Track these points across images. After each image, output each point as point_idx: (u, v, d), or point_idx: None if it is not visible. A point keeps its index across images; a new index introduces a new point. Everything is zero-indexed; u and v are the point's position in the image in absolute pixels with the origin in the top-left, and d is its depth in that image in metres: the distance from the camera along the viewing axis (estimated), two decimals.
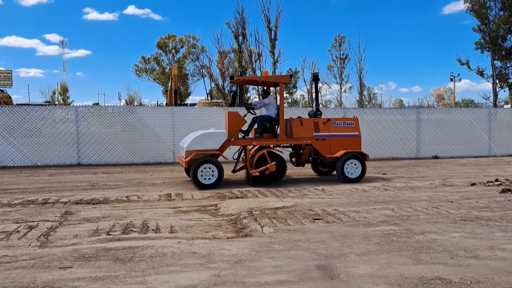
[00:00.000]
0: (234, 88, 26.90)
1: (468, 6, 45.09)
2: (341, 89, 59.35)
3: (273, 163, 9.24)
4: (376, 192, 8.27)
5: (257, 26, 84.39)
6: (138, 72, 61.07)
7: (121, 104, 56.79)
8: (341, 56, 57.97)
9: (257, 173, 9.36)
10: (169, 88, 25.57)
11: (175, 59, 58.76)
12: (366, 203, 7.21)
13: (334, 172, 10.47)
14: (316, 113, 10.56)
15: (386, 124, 15.48)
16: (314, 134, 9.84)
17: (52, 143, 13.31)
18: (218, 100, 40.17)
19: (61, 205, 7.15)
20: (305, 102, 68.04)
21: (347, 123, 10.14)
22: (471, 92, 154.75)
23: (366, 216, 6.18)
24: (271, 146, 9.76)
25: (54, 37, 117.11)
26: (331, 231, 5.40)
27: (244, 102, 10.06)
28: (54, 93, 65.54)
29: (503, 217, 6.09)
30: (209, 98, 55.27)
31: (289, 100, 68.58)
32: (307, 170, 11.53)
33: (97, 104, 61.66)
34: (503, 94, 58.41)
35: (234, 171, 10.21)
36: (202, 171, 8.92)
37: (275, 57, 49.76)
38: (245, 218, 6.13)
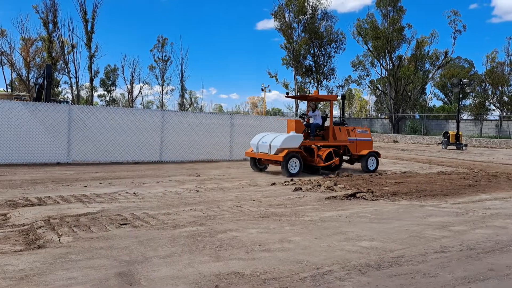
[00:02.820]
0: (40, 80, 23.97)
1: (277, 25, 50.53)
2: (162, 90, 59.13)
3: (337, 158, 12.82)
4: (188, 194, 8.46)
5: (72, 16, 77.36)
6: None
7: None
8: (163, 58, 57.88)
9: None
10: None
11: None
12: (177, 205, 7.30)
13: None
14: (343, 123, 13.89)
15: (203, 128, 16.01)
16: (348, 138, 13.35)
17: None
18: (20, 93, 35.08)
19: None
20: (126, 101, 65.25)
21: (363, 131, 14.07)
22: (279, 102, 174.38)
23: (175, 218, 6.25)
24: (301, 146, 12.53)
25: None
26: (138, 236, 5.26)
27: (301, 114, 13.95)
28: None
29: (293, 212, 6.97)
30: (9, 90, 47.93)
31: (107, 99, 64.83)
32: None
33: None
34: (303, 105, 67.29)
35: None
36: (290, 163, 11.71)
37: (92, 51, 46.50)
38: (40, 228, 5.46)
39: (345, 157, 13.91)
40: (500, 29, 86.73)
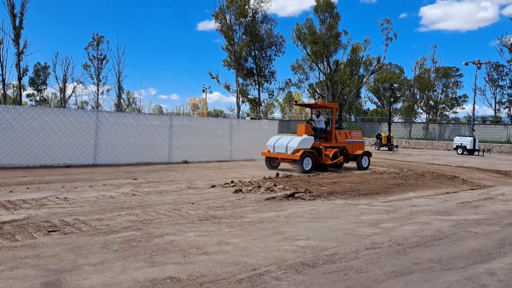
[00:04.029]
0: None
1: (218, 26, 50.45)
2: (98, 90, 56.74)
3: (341, 157, 14.87)
4: (123, 198, 8.17)
5: None
6: None
7: None
8: (98, 56, 55.58)
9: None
10: None
11: None
12: (111, 209, 7.02)
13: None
14: (341, 127, 16.00)
15: (141, 129, 15.54)
16: (346, 140, 15.47)
17: None
18: None
19: None
20: (58, 101, 61.83)
21: (357, 134, 16.23)
22: (221, 104, 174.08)
23: (108, 224, 6.00)
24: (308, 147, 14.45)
25: None
26: (67, 243, 4.99)
27: (307, 119, 16.09)
28: None
29: (233, 214, 6.97)
30: None
31: (38, 98, 61.06)
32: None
33: None
34: (245, 107, 67.69)
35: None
36: (304, 161, 13.63)
37: (21, 48, 43.64)
38: None
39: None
40: (426, 37, 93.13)
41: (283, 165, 15.42)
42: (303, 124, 15.23)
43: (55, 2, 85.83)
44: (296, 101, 13.53)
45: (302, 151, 13.78)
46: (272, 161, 15.03)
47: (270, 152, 14.77)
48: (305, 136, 14.38)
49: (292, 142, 14.09)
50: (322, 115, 16.11)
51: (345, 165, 16.26)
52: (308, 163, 13.89)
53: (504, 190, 11.08)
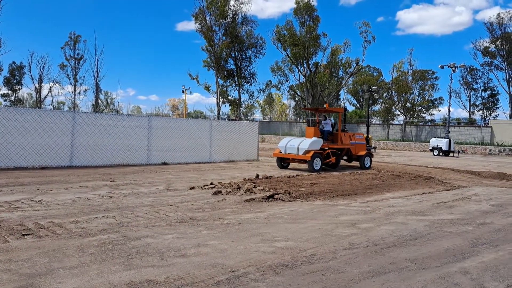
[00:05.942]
0: None
1: (198, 27, 50.21)
2: (75, 90, 55.67)
3: (333, 157, 15.61)
4: (100, 200, 8.03)
5: None
6: None
7: None
8: (75, 56, 54.55)
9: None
10: None
11: None
12: (87, 212, 6.89)
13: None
14: (345, 130, 17.10)
15: (119, 130, 15.31)
16: (350, 142, 16.61)
17: None
18: None
19: None
20: (33, 101, 60.39)
21: (360, 136, 17.47)
22: (201, 105, 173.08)
23: (84, 227, 5.88)
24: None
25: None
26: (42, 247, 4.87)
27: (315, 122, 17.06)
28: None
29: (212, 216, 6.94)
30: None
31: (12, 98, 59.54)
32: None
33: None
34: (226, 108, 67.55)
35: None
36: (314, 161, 14.75)
37: None
38: None
39: (344, 157, 17.21)
40: (403, 41, 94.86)
41: (292, 164, 16.70)
42: (312, 127, 16.61)
43: (30, 0, 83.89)
44: (304, 106, 15.00)
45: (312, 152, 14.88)
46: (283, 161, 16.11)
47: (281, 153, 15.83)
48: (314, 138, 15.45)
49: (303, 144, 15.15)
50: (328, 118, 17.19)
51: (347, 165, 17.88)
52: (317, 163, 15.04)
53: (478, 191, 11.38)
